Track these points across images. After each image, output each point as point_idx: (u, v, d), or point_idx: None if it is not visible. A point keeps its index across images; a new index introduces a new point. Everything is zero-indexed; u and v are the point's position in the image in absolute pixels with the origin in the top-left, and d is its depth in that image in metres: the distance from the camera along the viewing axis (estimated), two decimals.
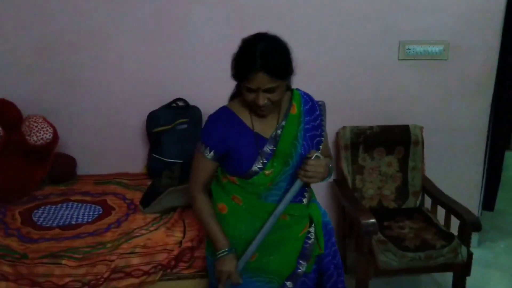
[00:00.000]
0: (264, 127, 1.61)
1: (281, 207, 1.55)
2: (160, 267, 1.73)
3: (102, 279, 1.67)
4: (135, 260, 1.73)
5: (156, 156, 2.60)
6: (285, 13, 2.76)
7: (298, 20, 2.77)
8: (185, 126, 2.63)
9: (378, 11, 2.83)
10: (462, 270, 2.46)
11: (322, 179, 1.59)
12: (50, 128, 2.25)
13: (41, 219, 2.09)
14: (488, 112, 3.08)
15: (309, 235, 1.68)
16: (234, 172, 1.61)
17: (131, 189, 2.46)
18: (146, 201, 2.15)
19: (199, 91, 2.79)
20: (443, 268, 2.46)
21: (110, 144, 2.81)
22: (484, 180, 3.29)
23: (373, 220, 2.34)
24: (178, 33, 2.72)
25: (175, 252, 1.74)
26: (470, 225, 2.40)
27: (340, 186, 2.89)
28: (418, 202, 2.87)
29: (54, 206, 2.22)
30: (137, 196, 2.33)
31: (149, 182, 2.51)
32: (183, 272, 1.77)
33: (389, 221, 2.67)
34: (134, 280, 1.71)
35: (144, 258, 1.74)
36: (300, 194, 1.65)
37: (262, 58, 1.44)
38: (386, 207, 2.86)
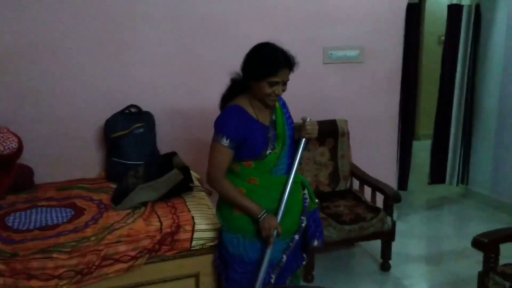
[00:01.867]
0: (264, 118, 1.99)
1: (295, 163, 2.00)
2: (146, 251, 1.94)
3: (94, 267, 1.85)
4: (122, 248, 1.92)
5: (116, 159, 2.76)
6: (225, 25, 3.09)
7: (238, 31, 3.11)
8: (141, 130, 2.82)
9: (304, 22, 3.26)
10: (388, 236, 2.95)
11: (317, 135, 2.07)
12: (15, 138, 2.34)
13: (16, 223, 2.16)
14: (398, 106, 3.66)
15: (305, 196, 2.10)
16: (252, 156, 1.93)
17: (95, 191, 2.59)
18: (117, 199, 2.34)
19: (150, 98, 3.00)
20: (374, 236, 2.93)
21: (65, 152, 2.90)
22: (398, 165, 3.88)
23: (316, 201, 2.73)
24: (127, 43, 2.91)
25: (158, 238, 1.97)
26: (391, 198, 2.89)
27: None
28: (348, 185, 3.34)
29: (24, 212, 2.29)
30: (103, 197, 2.49)
31: (110, 185, 2.69)
32: (166, 254, 2.00)
33: (326, 202, 3.10)
34: (123, 265, 1.90)
35: (130, 245, 1.93)
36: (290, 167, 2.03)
37: (285, 57, 1.90)
38: (322, 191, 3.28)
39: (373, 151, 3.63)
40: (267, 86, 1.88)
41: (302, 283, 2.79)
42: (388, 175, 3.70)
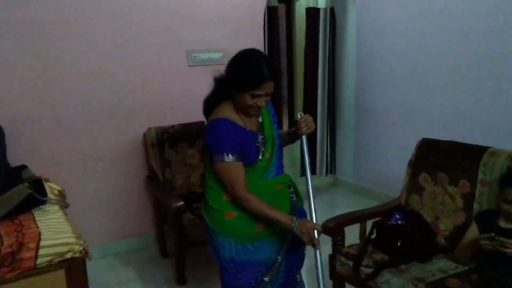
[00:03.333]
0: (250, 125, 1.92)
1: (306, 163, 1.96)
2: None
3: None
4: None
5: None
6: (84, 29, 2.99)
7: (97, 35, 3.03)
8: None
9: (167, 26, 3.27)
10: None
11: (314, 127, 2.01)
12: None
13: None
14: None
15: (291, 194, 2.04)
16: (246, 164, 1.86)
17: None
18: None
19: None
20: None
21: None
22: None
23: (181, 203, 2.76)
24: None
25: None
26: None
27: (151, 180, 3.23)
28: None
29: None
30: None
31: None
32: (7, 276, 1.87)
33: (197, 203, 3.12)
34: None
35: None
36: (281, 168, 2.01)
37: (269, 69, 1.77)
38: (194, 192, 3.31)
39: None
40: (249, 97, 1.79)
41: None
42: None
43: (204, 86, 3.51)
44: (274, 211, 1.85)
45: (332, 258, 2.43)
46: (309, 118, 1.99)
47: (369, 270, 2.21)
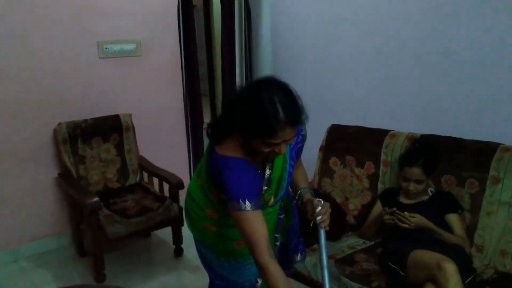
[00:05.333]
0: (257, 161, 1.59)
1: (324, 258, 1.60)
2: None
3: None
4: None
5: None
6: None
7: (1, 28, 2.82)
8: None
9: (73, 16, 3.12)
10: (176, 222, 3.07)
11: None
12: None
13: None
14: (182, 98, 3.80)
15: (280, 211, 1.77)
16: None
17: None
18: None
19: None
20: (163, 224, 3.01)
21: None
22: (191, 152, 4.06)
23: (96, 199, 2.69)
24: None
25: None
26: (175, 185, 3.01)
27: (65, 178, 3.10)
28: (138, 178, 3.36)
29: None
30: None
31: None
32: None
33: (114, 198, 3.06)
34: None
35: None
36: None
37: (286, 113, 1.39)
38: (111, 188, 3.23)
39: (163, 142, 3.73)
40: (264, 145, 1.44)
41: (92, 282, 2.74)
42: (181, 163, 3.86)
43: (118, 79, 3.49)
44: None
45: None
46: (327, 205, 1.67)
47: None
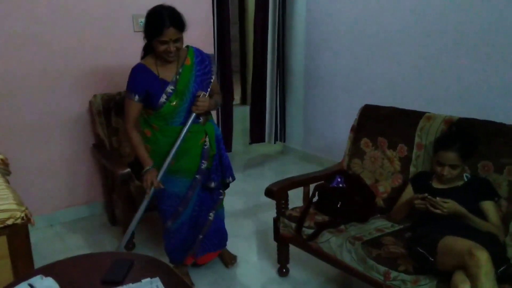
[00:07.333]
0: (166, 75, 2.22)
1: (184, 130, 2.24)
2: None
3: None
4: None
5: None
6: None
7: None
8: None
9: None
10: None
11: (208, 110, 2.30)
12: None
13: None
14: None
15: (205, 143, 2.38)
16: (150, 106, 2.23)
17: None
18: None
19: None
20: None
21: None
22: (220, 127, 4.08)
23: (127, 170, 2.74)
24: None
25: None
26: None
27: (99, 148, 3.17)
28: None
29: None
30: None
31: None
32: None
33: None
34: None
35: None
36: (197, 118, 2.29)
37: (170, 18, 2.05)
38: None
39: None
40: (159, 45, 2.10)
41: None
42: None
43: None
44: (141, 150, 2.29)
45: (276, 220, 2.51)
46: (205, 100, 2.25)
47: (310, 231, 2.31)
